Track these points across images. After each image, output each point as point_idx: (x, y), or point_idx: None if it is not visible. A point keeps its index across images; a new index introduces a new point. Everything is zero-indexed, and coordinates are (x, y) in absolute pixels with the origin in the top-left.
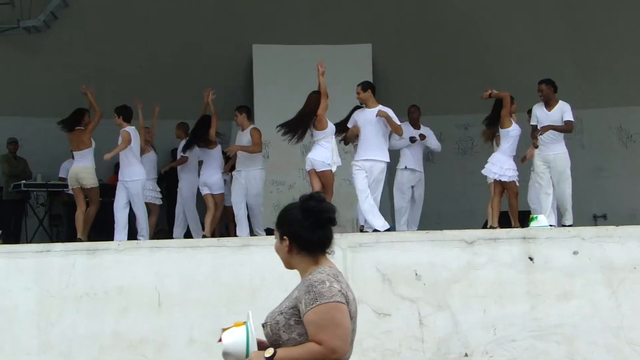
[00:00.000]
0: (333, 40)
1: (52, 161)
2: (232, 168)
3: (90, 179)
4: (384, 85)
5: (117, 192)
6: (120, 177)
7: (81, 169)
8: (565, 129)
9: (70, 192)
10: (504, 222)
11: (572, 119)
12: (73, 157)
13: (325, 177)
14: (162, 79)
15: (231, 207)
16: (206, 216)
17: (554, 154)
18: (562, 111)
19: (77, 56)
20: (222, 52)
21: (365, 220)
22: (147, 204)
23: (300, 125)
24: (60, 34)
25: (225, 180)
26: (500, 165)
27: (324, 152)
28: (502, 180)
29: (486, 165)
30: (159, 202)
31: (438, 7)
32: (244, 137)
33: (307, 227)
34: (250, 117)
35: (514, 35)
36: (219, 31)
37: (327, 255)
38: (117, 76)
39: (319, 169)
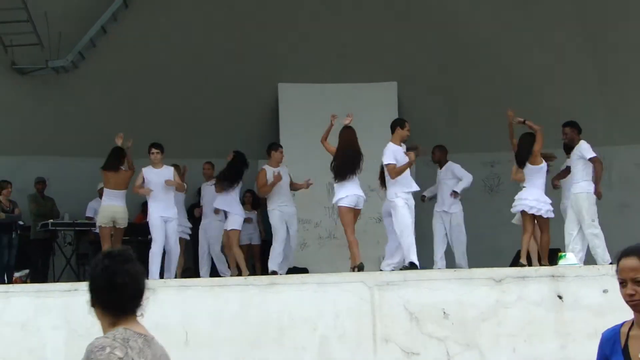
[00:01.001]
0: (358, 78)
1: (79, 200)
2: (255, 207)
3: (126, 220)
4: (410, 122)
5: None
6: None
7: (120, 208)
8: (600, 170)
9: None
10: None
11: (593, 155)
12: (100, 197)
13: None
14: (188, 117)
15: (258, 245)
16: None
17: (574, 193)
18: (582, 149)
19: (104, 96)
20: (248, 91)
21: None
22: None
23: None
24: (87, 74)
25: (251, 219)
26: (537, 199)
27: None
28: (539, 215)
29: (522, 201)
30: (185, 236)
31: (464, 46)
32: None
33: (103, 287)
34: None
35: (540, 73)
36: (245, 70)
37: (137, 316)
38: (143, 115)
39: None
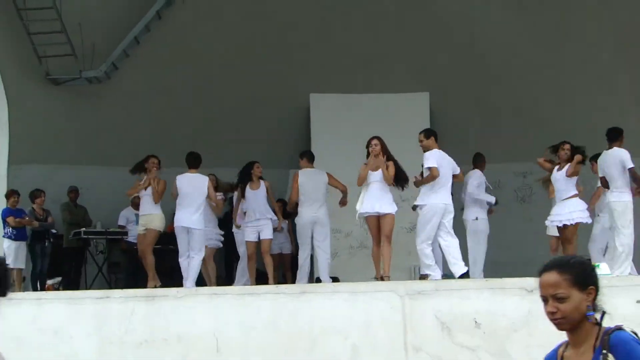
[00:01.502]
0: (390, 88)
1: (111, 209)
2: (286, 216)
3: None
4: (441, 134)
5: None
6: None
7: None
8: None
9: (132, 239)
10: None
11: (630, 166)
12: (133, 205)
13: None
14: (220, 127)
15: (289, 254)
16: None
17: (611, 201)
18: (624, 159)
19: (137, 106)
20: (280, 101)
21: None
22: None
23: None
24: (120, 84)
25: (282, 228)
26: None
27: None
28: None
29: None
30: (218, 245)
31: (495, 55)
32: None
33: None
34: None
35: (574, 81)
36: (277, 80)
37: None
38: (176, 126)
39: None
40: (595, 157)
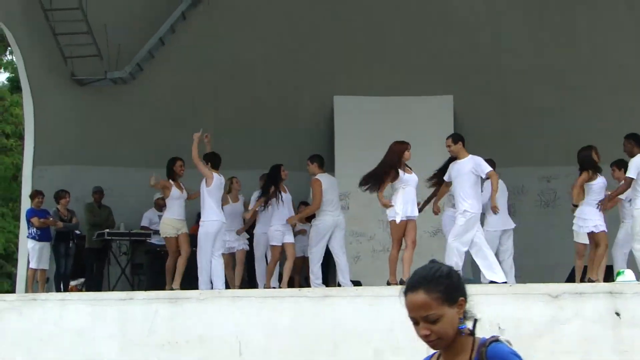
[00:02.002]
0: (414, 91)
1: (134, 210)
2: (309, 219)
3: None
4: (465, 137)
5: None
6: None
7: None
8: (624, 189)
9: (155, 241)
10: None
11: (632, 176)
12: (156, 207)
13: (391, 228)
14: (244, 129)
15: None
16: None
17: (632, 208)
18: (630, 166)
19: (161, 107)
20: (303, 103)
21: None
22: (232, 254)
23: (379, 174)
24: (145, 85)
25: (305, 231)
26: (591, 218)
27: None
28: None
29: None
30: (246, 247)
31: (520, 58)
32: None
33: None
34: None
35: (598, 85)
36: (301, 82)
37: None
38: (199, 127)
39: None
40: (617, 163)
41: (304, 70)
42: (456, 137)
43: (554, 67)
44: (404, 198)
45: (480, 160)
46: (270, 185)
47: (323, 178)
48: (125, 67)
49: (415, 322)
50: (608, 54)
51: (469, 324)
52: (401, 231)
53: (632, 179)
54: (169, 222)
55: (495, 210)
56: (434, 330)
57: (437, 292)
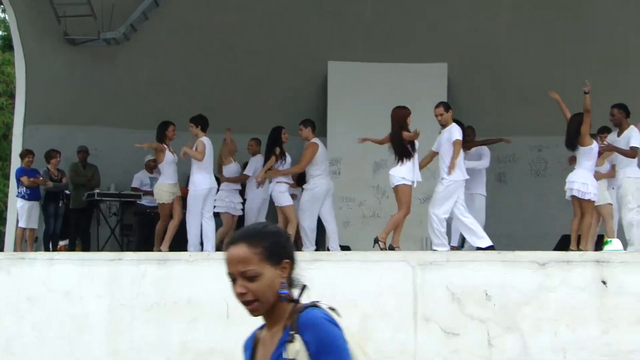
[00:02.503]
0: (408, 58)
1: (126, 171)
2: (300, 183)
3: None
4: (458, 106)
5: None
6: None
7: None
8: (628, 153)
9: (145, 202)
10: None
11: (637, 145)
12: (147, 169)
13: (397, 192)
14: (237, 93)
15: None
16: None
17: (620, 178)
18: (629, 136)
19: (154, 69)
20: (297, 68)
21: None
22: (224, 215)
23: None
24: (138, 47)
25: (296, 195)
26: (584, 182)
27: (399, 167)
28: (584, 198)
29: (572, 185)
30: (239, 212)
31: (515, 28)
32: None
33: None
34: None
35: (590, 56)
36: (295, 47)
37: None
38: (192, 89)
39: (394, 183)
40: (604, 130)
41: (299, 35)
42: (447, 106)
43: (550, 37)
44: (414, 164)
45: (453, 128)
46: (274, 147)
47: (319, 142)
48: (118, 28)
49: (233, 280)
50: (602, 27)
51: (295, 292)
52: (408, 194)
53: (637, 147)
54: (166, 188)
55: (450, 171)
56: (251, 288)
57: (260, 247)
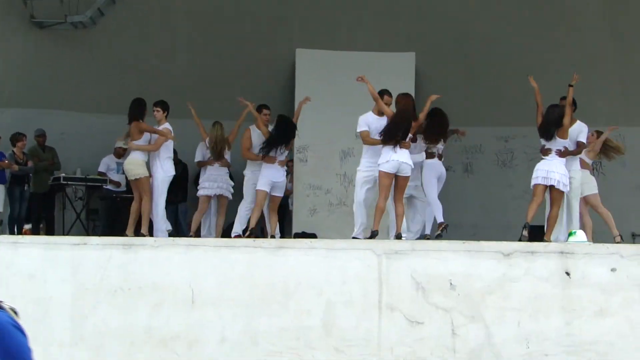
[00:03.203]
0: (377, 47)
1: (92, 156)
2: None
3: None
4: (426, 95)
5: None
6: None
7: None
8: (575, 152)
9: (111, 187)
10: (538, 234)
11: (584, 141)
12: (116, 154)
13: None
14: (203, 78)
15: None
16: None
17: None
18: (579, 131)
19: (121, 53)
20: (265, 55)
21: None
22: (219, 197)
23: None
24: (105, 31)
25: None
26: (563, 174)
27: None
28: (561, 190)
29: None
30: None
31: (483, 19)
32: None
33: None
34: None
35: (557, 48)
36: (263, 34)
37: None
38: (159, 74)
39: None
40: None
41: (266, 23)
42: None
43: (518, 29)
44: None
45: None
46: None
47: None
48: (86, 12)
49: None
50: (570, 19)
51: None
52: (391, 181)
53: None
54: (141, 162)
55: None
56: None
57: None
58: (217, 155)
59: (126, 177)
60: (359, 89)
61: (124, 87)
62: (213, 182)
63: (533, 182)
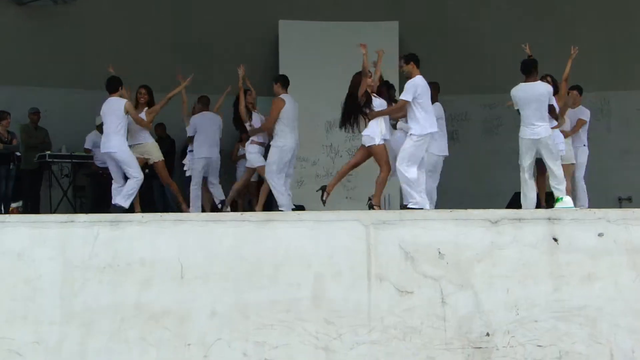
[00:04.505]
0: (360, 17)
1: (76, 132)
2: None
3: (153, 154)
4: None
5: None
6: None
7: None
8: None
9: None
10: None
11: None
12: (99, 131)
13: (374, 153)
14: (187, 52)
15: (256, 182)
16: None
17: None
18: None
19: (103, 28)
20: (248, 27)
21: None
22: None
23: (350, 109)
24: (86, 5)
25: None
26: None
27: (371, 127)
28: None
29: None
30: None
31: None
32: None
33: None
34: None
35: (542, 15)
36: (245, 6)
37: None
38: (142, 49)
39: (367, 144)
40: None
41: None
42: (408, 58)
43: None
44: (378, 121)
45: (407, 85)
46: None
47: (287, 98)
48: None
49: None
50: None
51: None
52: (385, 153)
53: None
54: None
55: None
56: None
57: None
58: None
59: None
60: (342, 59)
61: (105, 63)
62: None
63: None
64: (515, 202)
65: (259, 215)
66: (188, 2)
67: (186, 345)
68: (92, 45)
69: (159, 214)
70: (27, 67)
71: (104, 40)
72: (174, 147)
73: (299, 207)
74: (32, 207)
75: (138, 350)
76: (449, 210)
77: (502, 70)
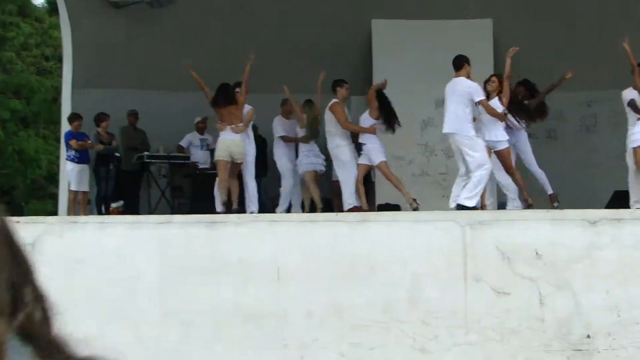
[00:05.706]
0: (453, 15)
1: (172, 134)
2: None
3: (242, 154)
4: (503, 62)
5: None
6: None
7: (234, 142)
8: None
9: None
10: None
11: None
12: (197, 130)
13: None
14: (282, 53)
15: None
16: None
17: None
18: None
19: (198, 31)
20: (341, 28)
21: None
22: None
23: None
24: (182, 9)
25: None
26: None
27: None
28: None
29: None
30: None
31: None
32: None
33: None
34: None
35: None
36: (339, 6)
37: None
38: (238, 51)
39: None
40: None
41: None
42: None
43: None
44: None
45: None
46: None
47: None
48: None
49: None
50: None
51: None
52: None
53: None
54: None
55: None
56: None
57: None
58: (314, 133)
59: (211, 156)
60: (435, 59)
61: (201, 65)
62: (317, 157)
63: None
64: (615, 201)
65: (354, 215)
66: (283, 2)
67: (283, 345)
68: (186, 48)
69: (254, 215)
70: (125, 70)
71: (198, 42)
72: (266, 146)
73: (394, 207)
74: (132, 207)
75: (236, 351)
76: (546, 210)
77: (600, 67)
